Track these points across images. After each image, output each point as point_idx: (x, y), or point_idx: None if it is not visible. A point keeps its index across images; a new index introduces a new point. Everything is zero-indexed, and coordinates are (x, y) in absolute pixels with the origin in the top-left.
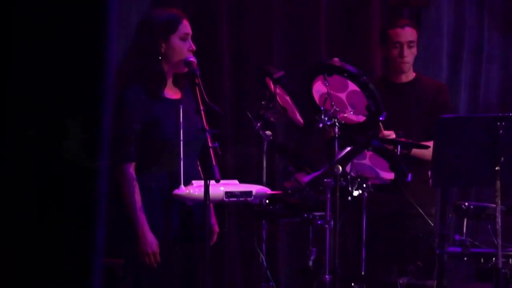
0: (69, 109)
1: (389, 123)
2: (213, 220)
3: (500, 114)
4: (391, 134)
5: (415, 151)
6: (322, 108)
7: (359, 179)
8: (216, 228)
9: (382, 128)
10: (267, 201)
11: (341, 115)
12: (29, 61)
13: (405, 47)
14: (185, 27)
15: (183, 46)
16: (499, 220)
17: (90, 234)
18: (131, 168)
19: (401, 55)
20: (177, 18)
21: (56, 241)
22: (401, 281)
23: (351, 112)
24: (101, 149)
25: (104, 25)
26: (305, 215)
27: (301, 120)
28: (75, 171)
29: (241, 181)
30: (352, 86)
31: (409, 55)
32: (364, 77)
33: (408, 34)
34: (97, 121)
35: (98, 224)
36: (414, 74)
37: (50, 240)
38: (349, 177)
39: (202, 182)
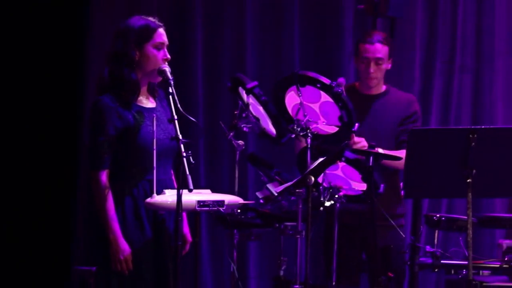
0: (45, 117)
1: (357, 133)
2: (186, 229)
3: (472, 127)
4: (361, 141)
5: (385, 160)
6: (294, 119)
7: (331, 190)
8: (189, 238)
9: (353, 135)
10: (239, 210)
11: (314, 125)
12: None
13: (372, 63)
14: (160, 36)
15: (157, 54)
16: (470, 232)
17: (66, 243)
18: (104, 176)
19: (367, 71)
20: (152, 26)
21: (31, 251)
22: None
23: (324, 123)
24: (77, 156)
25: (82, 33)
26: (277, 225)
27: (273, 130)
28: (50, 178)
29: (214, 190)
30: (325, 97)
31: (376, 71)
32: (337, 88)
33: (377, 50)
34: (73, 128)
35: (73, 233)
36: (384, 87)
37: (25, 249)
38: (321, 187)
39: (174, 191)
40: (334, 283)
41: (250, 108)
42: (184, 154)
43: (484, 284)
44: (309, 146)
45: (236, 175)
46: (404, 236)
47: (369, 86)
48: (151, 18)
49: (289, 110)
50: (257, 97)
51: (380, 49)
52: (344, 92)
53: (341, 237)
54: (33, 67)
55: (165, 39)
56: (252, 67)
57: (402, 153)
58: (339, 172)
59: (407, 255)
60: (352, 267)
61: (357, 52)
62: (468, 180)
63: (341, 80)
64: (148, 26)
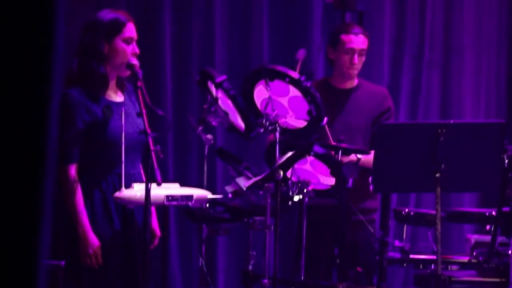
0: (14, 110)
1: (330, 128)
2: (155, 224)
3: (441, 121)
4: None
5: (364, 161)
6: (263, 113)
7: (299, 184)
8: (158, 232)
9: (331, 141)
10: (207, 205)
11: (283, 120)
12: None
13: (357, 54)
14: (130, 30)
15: (126, 48)
16: (439, 226)
17: (36, 237)
18: (73, 170)
19: (352, 62)
20: (122, 20)
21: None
22: (340, 287)
23: (293, 117)
24: (47, 150)
25: (51, 24)
26: (246, 219)
27: (242, 124)
28: (20, 171)
29: (182, 184)
30: (293, 91)
31: (359, 62)
32: (306, 83)
33: (361, 42)
34: (43, 121)
35: (44, 227)
36: (356, 81)
37: None
38: (290, 182)
39: (143, 185)
40: (302, 278)
41: (219, 102)
42: (153, 148)
43: (453, 278)
44: (277, 140)
45: (205, 169)
46: (372, 230)
47: (349, 78)
48: (120, 12)
49: (258, 104)
50: (226, 91)
51: (363, 41)
52: (312, 86)
53: (312, 231)
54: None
55: (134, 33)
56: (221, 61)
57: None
58: (307, 167)
59: (375, 250)
60: (324, 262)
61: (338, 43)
62: (437, 175)
63: (302, 51)
64: (118, 20)
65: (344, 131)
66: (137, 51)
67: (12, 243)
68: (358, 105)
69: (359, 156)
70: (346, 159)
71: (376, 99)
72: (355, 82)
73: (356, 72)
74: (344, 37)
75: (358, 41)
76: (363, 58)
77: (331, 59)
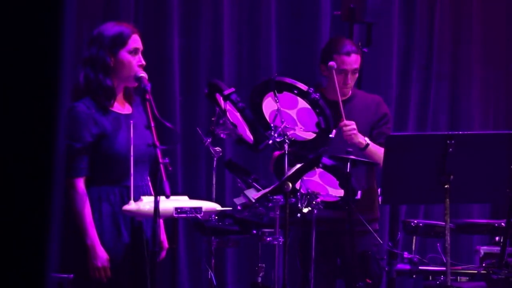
0: (21, 123)
1: None
2: (163, 236)
3: (449, 132)
4: (351, 124)
5: (372, 149)
6: (272, 125)
7: (308, 196)
8: (166, 245)
9: (344, 117)
10: (216, 217)
11: (291, 132)
12: None
13: (350, 74)
14: (135, 41)
15: (132, 60)
16: (448, 238)
17: (44, 250)
18: (81, 183)
19: (345, 82)
20: (127, 32)
21: (7, 257)
22: None
23: (301, 129)
24: (55, 163)
25: (58, 38)
26: (255, 232)
27: (251, 136)
28: (28, 184)
29: (191, 197)
30: (302, 103)
31: (352, 81)
32: (314, 95)
33: (353, 62)
34: (51, 135)
35: (52, 240)
36: (350, 91)
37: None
38: (298, 194)
39: (152, 198)
40: None
41: (227, 114)
42: (162, 161)
43: None
44: (286, 152)
45: (214, 181)
46: (381, 241)
47: (342, 95)
48: (125, 25)
49: (267, 116)
50: (234, 104)
51: (356, 60)
52: (321, 98)
53: (316, 243)
54: (8, 71)
55: (139, 44)
56: (229, 73)
57: (381, 151)
58: (316, 179)
59: (384, 261)
60: (327, 273)
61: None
62: (446, 186)
63: (332, 63)
64: (122, 33)
65: (337, 142)
66: (143, 62)
67: (21, 256)
68: (352, 116)
69: (367, 141)
70: (356, 139)
71: (370, 108)
72: (348, 93)
73: (349, 89)
74: (337, 57)
75: (350, 61)
76: (356, 75)
77: (325, 76)
